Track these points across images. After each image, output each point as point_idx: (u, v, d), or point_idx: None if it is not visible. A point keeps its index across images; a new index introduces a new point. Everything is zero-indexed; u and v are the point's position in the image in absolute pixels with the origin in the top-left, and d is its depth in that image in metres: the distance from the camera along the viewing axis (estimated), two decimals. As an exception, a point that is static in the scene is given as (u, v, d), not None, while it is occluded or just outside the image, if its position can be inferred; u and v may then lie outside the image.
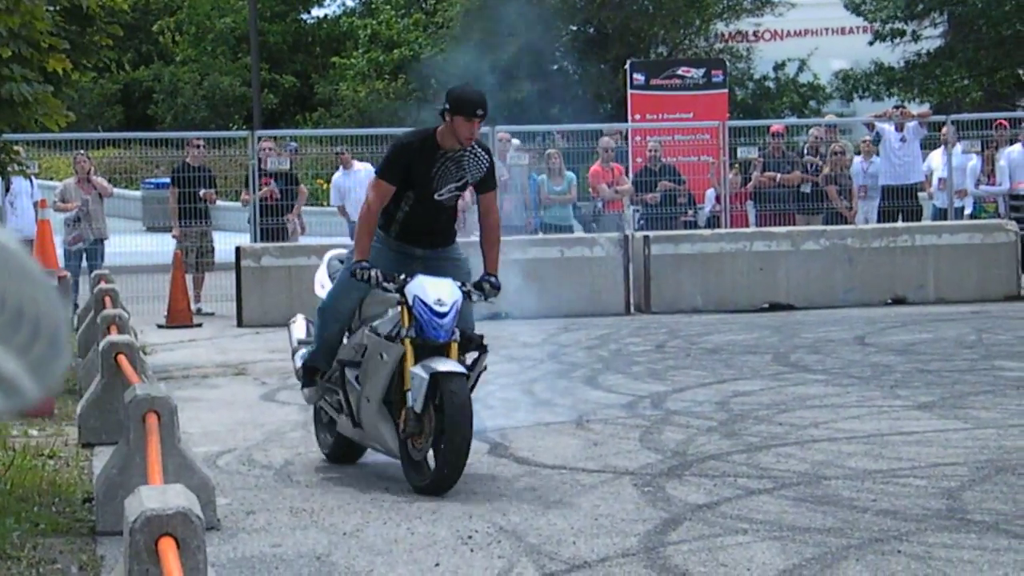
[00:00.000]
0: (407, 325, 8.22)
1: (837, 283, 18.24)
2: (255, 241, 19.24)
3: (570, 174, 21.08)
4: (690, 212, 21.37)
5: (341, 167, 21.08)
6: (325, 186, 23.13)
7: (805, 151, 21.62)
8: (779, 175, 20.84)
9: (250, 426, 10.59)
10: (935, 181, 21.07)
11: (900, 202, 20.58)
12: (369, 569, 6.69)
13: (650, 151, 21.75)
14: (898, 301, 18.16)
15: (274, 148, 20.44)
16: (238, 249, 17.92)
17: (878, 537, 6.97)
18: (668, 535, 7.05)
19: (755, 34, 45.20)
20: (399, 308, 8.33)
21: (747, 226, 20.52)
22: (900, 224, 19.63)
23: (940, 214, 20.88)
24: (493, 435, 9.99)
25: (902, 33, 41.27)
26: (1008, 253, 18.47)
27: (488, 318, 17.28)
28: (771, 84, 45.05)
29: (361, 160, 21.09)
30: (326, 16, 53.97)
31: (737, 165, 21.57)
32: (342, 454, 9.14)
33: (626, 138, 24.24)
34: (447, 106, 8.54)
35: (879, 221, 20.41)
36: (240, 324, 17.36)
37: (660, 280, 18.11)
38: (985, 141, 21.12)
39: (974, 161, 20.77)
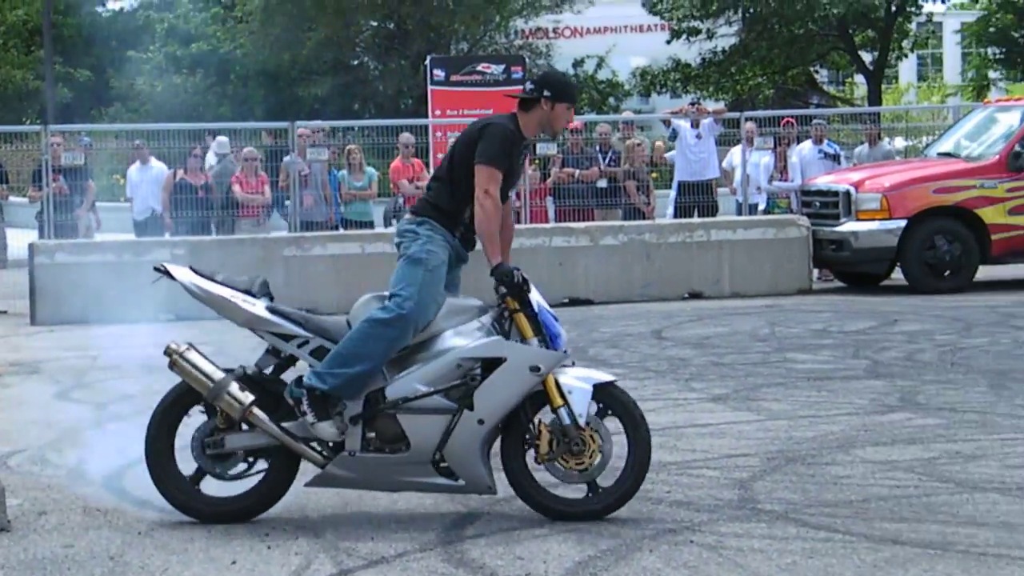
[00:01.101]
0: (530, 336, 7.33)
1: (635, 278, 18.47)
2: (45, 238, 18.89)
3: (371, 170, 21.05)
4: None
5: (138, 161, 20.79)
6: (122, 181, 22.77)
7: (599, 148, 21.83)
8: (578, 171, 21.03)
9: (43, 425, 10.39)
10: (738, 177, 21.45)
11: (696, 198, 20.91)
12: (164, 568, 6.62)
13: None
14: (694, 295, 18.46)
15: (62, 144, 20.09)
16: (31, 246, 17.58)
17: (672, 528, 7.09)
18: (466, 529, 7.09)
19: (555, 31, 45.56)
20: (501, 318, 7.42)
21: (546, 222, 20.68)
22: (696, 220, 19.96)
23: (752, 210, 21.21)
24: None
25: (698, 31, 41.95)
26: (800, 248, 18.87)
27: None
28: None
29: (159, 158, 20.86)
30: (122, 9, 53.11)
31: (536, 161, 21.72)
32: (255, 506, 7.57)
33: (427, 134, 24.25)
34: (547, 92, 7.67)
35: (675, 217, 20.73)
36: (34, 322, 17.00)
37: (462, 274, 18.12)
38: (777, 138, 21.55)
39: (767, 158, 21.18)
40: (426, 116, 26.65)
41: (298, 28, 41.01)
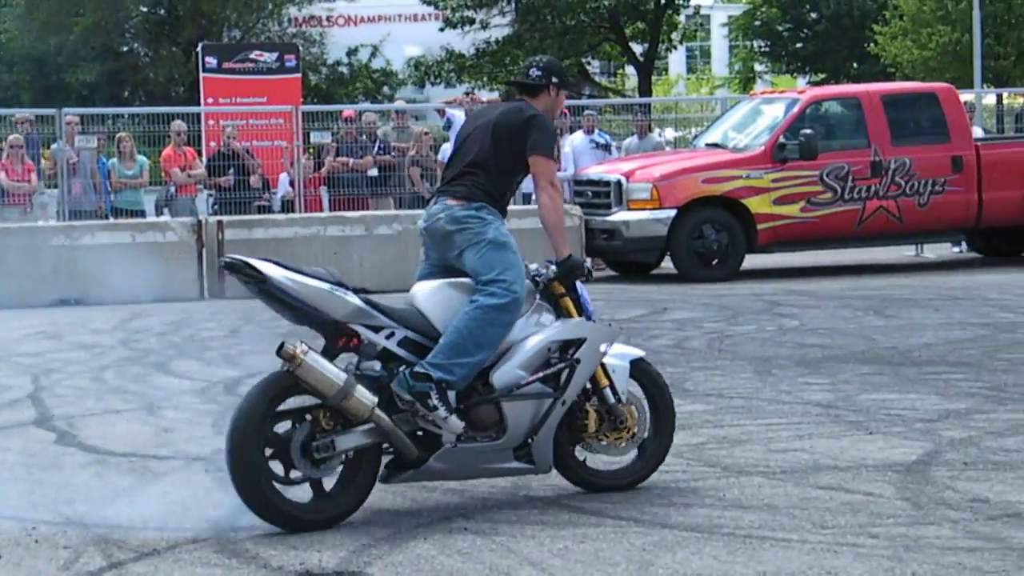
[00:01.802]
0: (576, 316, 7.51)
1: (411, 267, 18.33)
2: None
3: (142, 158, 20.74)
4: (264, 197, 21.32)
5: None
6: None
7: (378, 137, 21.81)
8: (351, 160, 20.99)
9: None
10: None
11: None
12: (-73, 567, 6.45)
13: (226, 136, 21.57)
14: (469, 284, 18.53)
15: None
16: None
17: (446, 515, 7.13)
18: (239, 520, 7.03)
19: (328, 19, 45.35)
20: (551, 302, 7.52)
21: (321, 211, 20.62)
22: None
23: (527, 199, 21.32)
24: (60, 423, 9.76)
25: (472, 21, 42.15)
26: (572, 237, 19.05)
27: (56, 304, 16.88)
28: (344, 70, 45.26)
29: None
30: None
31: (311, 150, 21.62)
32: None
33: (199, 122, 23.98)
34: (555, 80, 7.79)
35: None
36: None
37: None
38: (551, 128, 21.74)
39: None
40: (198, 104, 26.34)
41: (65, 13, 40.16)
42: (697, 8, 53.25)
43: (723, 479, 7.83)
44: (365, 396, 6.92)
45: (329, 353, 7.03)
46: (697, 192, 18.74)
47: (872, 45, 47.58)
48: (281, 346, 6.79)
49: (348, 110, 22.66)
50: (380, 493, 7.45)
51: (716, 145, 19.94)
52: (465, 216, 7.48)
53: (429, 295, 7.42)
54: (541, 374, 7.29)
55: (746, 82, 60.54)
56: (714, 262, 18.77)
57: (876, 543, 6.51)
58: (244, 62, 26.08)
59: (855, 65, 51.33)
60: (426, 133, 21.67)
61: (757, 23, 55.65)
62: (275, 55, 26.56)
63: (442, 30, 42.53)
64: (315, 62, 43.60)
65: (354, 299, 7.12)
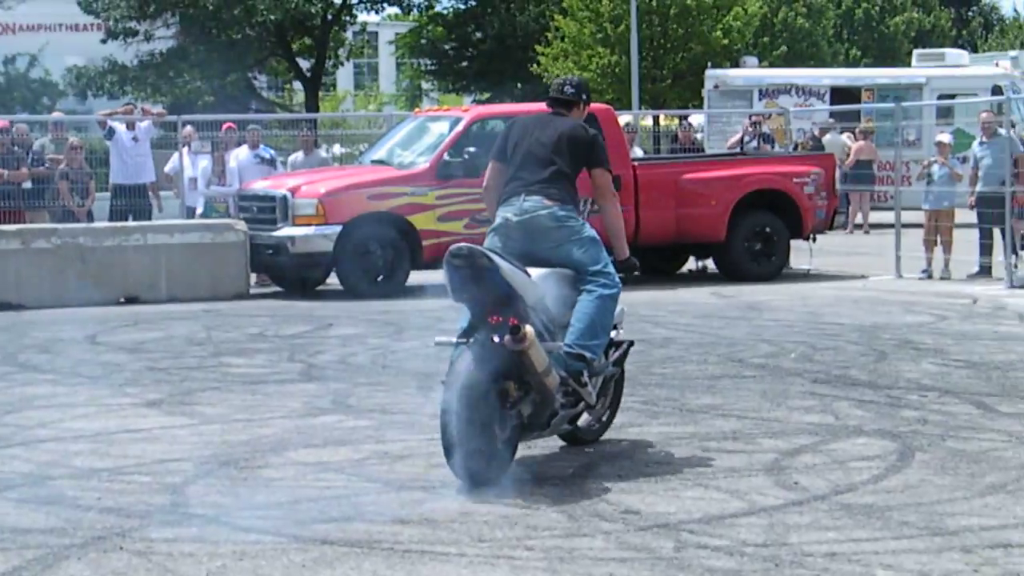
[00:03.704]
0: None
1: (70, 282, 18.03)
2: None
3: None
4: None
5: None
6: None
7: (33, 148, 21.21)
8: (6, 172, 20.39)
9: None
10: (185, 181, 21.29)
11: (131, 201, 20.67)
12: None
13: None
14: (131, 300, 18.21)
15: None
16: None
17: (101, 535, 6.99)
18: None
19: (-15, 27, 44.04)
20: None
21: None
22: (133, 223, 19.66)
23: (191, 214, 21.05)
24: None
25: (135, 32, 41.43)
26: (238, 252, 18.91)
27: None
28: (1, 79, 43.96)
29: None
30: None
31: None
32: None
33: None
34: (585, 96, 9.05)
35: (111, 219, 20.38)
36: None
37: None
38: (216, 142, 21.56)
39: (205, 162, 21.15)
40: None
41: None
42: (364, 25, 53.43)
43: (384, 494, 7.87)
44: (556, 376, 8.09)
45: (474, 328, 8.03)
46: (363, 208, 18.76)
47: (536, 65, 48.56)
48: (517, 328, 7.66)
49: (2, 120, 21.99)
50: (32, 514, 7.27)
51: (382, 162, 20.01)
52: (561, 215, 8.58)
53: (542, 279, 8.38)
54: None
55: (413, 99, 61.04)
56: (379, 278, 18.84)
57: (531, 555, 6.64)
58: None
59: (519, 84, 52.29)
60: (76, 148, 20.96)
61: (423, 41, 56.21)
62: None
63: (104, 41, 41.69)
64: (-29, 70, 42.26)
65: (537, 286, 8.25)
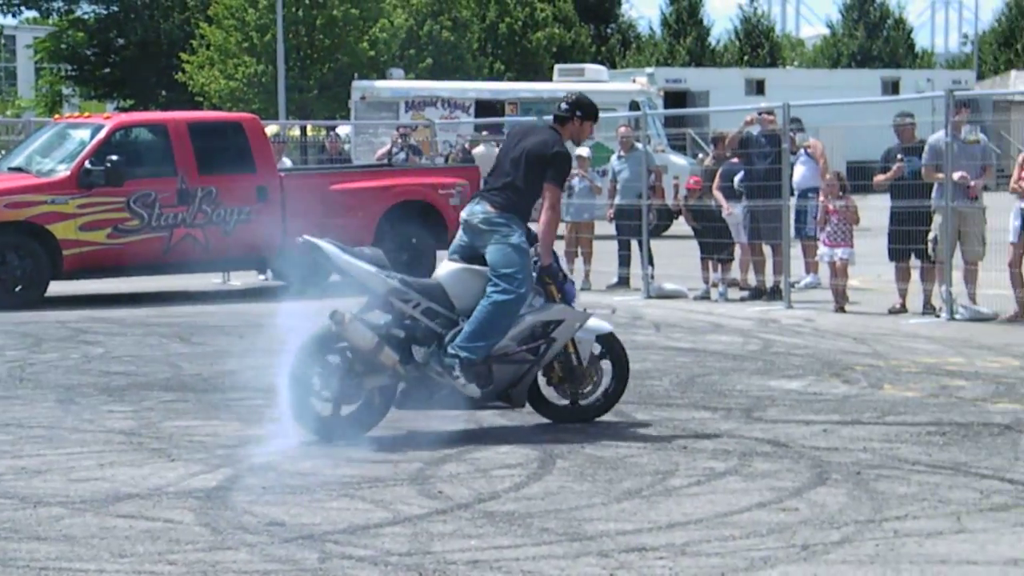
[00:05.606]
0: (557, 298, 9.82)
1: None
2: None
3: None
4: None
5: None
6: None
7: None
8: None
9: None
10: None
11: None
12: None
13: None
14: None
15: None
16: None
17: None
18: None
19: None
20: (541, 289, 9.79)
21: None
22: None
23: None
24: None
25: None
26: None
27: None
28: None
29: None
30: None
31: None
32: None
33: None
34: (579, 112, 9.99)
35: None
36: None
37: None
38: None
39: None
40: None
41: None
42: (0, 28, 51.82)
43: (20, 511, 7.65)
44: (390, 354, 9.38)
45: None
46: (0, 217, 18.21)
47: (181, 73, 47.93)
48: (335, 312, 9.21)
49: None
50: None
51: (20, 169, 19.42)
52: (497, 220, 9.66)
53: (450, 275, 9.74)
54: (525, 347, 9.69)
55: (53, 105, 59.50)
56: (17, 289, 18.29)
57: (174, 569, 6.55)
58: None
59: (164, 92, 51.54)
60: None
61: (63, 46, 54.85)
62: None
63: None
64: None
65: (393, 281, 9.46)
